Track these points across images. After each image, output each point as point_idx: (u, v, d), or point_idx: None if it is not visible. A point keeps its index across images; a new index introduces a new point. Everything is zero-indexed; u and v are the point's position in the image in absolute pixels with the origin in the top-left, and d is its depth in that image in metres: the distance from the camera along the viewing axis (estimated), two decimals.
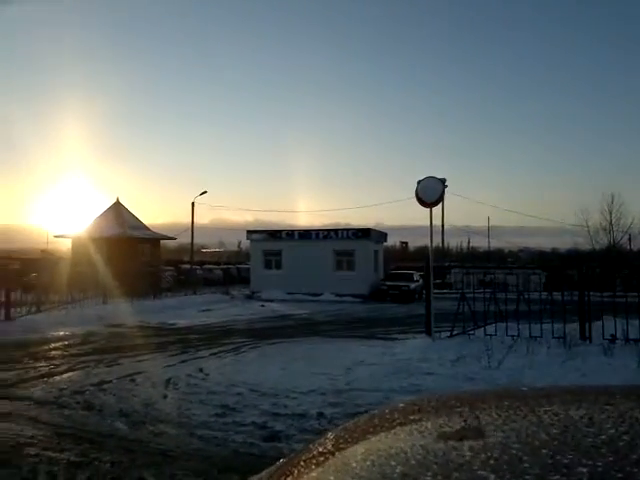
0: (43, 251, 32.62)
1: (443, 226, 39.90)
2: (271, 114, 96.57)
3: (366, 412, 4.50)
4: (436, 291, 11.62)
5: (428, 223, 10.88)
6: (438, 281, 25.12)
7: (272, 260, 28.18)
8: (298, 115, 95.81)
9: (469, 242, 64.07)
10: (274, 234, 28.77)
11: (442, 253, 40.34)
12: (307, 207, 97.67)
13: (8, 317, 14.51)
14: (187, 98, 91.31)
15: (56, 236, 30.02)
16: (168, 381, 7.59)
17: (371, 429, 0.85)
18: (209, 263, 41.39)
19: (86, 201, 76.09)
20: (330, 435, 0.87)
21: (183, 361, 9.29)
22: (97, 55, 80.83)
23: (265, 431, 5.38)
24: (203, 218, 76.03)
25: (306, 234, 28.53)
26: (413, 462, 0.65)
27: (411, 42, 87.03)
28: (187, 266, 32.35)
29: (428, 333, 10.85)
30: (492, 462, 0.62)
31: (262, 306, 21.73)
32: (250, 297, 26.34)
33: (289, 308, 21.00)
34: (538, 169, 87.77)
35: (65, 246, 29.95)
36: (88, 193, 76.75)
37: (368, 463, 0.69)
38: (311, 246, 27.29)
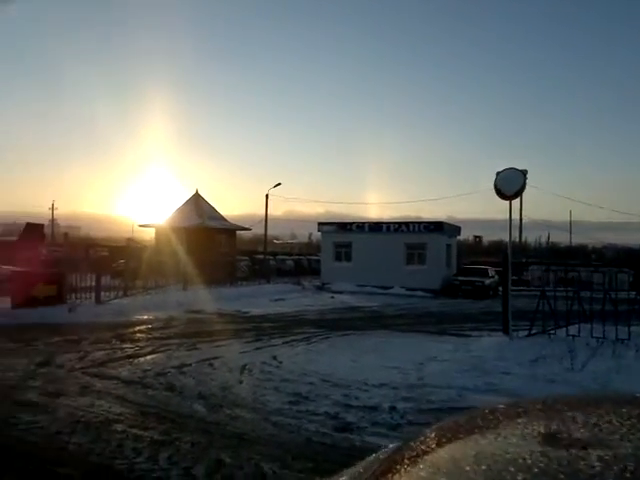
0: (129, 239, 34.60)
1: (521, 220, 38.10)
2: (343, 108, 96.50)
3: (439, 409, 4.42)
4: (513, 288, 11.14)
5: (503, 216, 10.51)
6: (515, 278, 24.08)
7: (342, 252, 28.25)
8: (370, 108, 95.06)
9: (549, 237, 60.88)
10: (344, 226, 28.80)
11: (520, 248, 38.60)
12: (377, 199, 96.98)
13: (98, 300, 15.59)
14: (263, 94, 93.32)
15: (141, 225, 31.75)
16: (244, 367, 7.84)
17: (475, 429, 0.81)
18: (281, 254, 42.23)
19: (169, 193, 79.97)
20: (430, 433, 0.84)
21: (257, 348, 9.57)
22: (181, 55, 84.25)
23: (337, 421, 5.43)
24: (276, 210, 77.88)
25: (376, 227, 28.32)
26: (536, 470, 0.62)
27: (490, 32, 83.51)
28: (261, 256, 33.20)
29: (505, 331, 10.46)
30: (629, 476, 0.58)
31: (332, 297, 21.89)
32: (320, 288, 26.60)
33: (359, 300, 21.00)
34: (624, 162, 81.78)
35: (149, 235, 31.62)
36: (171, 185, 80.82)
37: (484, 467, 0.66)
38: (381, 239, 27.08)
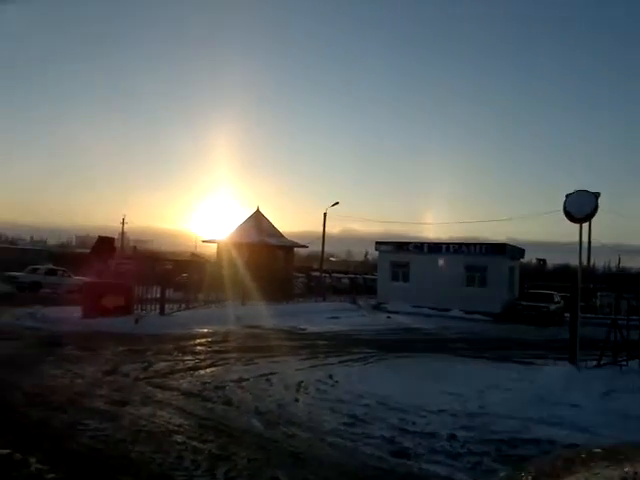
0: (193, 254, 35.81)
1: (590, 243, 36.29)
2: (403, 128, 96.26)
3: (501, 440, 4.23)
4: (580, 315, 10.61)
5: (569, 239, 10.04)
6: (582, 304, 22.87)
7: (399, 272, 27.95)
8: (431, 128, 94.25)
9: (619, 261, 57.39)
10: (402, 246, 28.53)
11: (588, 273, 36.69)
12: (436, 219, 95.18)
13: (162, 312, 16.19)
14: (322, 114, 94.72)
15: (204, 241, 32.82)
16: (299, 384, 7.86)
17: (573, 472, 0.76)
18: (337, 272, 42.26)
19: (232, 210, 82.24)
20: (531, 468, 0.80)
21: (313, 366, 9.57)
22: (243, 80, 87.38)
23: (393, 446, 5.32)
24: (334, 228, 78.20)
25: (435, 247, 27.86)
26: None
27: (558, 43, 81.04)
28: (317, 274, 33.38)
29: (572, 361, 9.94)
30: None
31: (388, 317, 21.62)
32: (376, 307, 26.36)
33: (415, 322, 20.61)
34: None
35: (211, 250, 32.62)
36: (234, 202, 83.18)
37: None
38: (440, 259, 26.58)
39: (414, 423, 6.13)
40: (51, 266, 29.24)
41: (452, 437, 5.62)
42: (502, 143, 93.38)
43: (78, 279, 25.48)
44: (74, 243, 78.40)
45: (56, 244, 72.41)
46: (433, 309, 24.61)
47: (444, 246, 27.67)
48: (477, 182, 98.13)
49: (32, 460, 4.48)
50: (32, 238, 78.65)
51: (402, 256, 27.86)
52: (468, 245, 26.95)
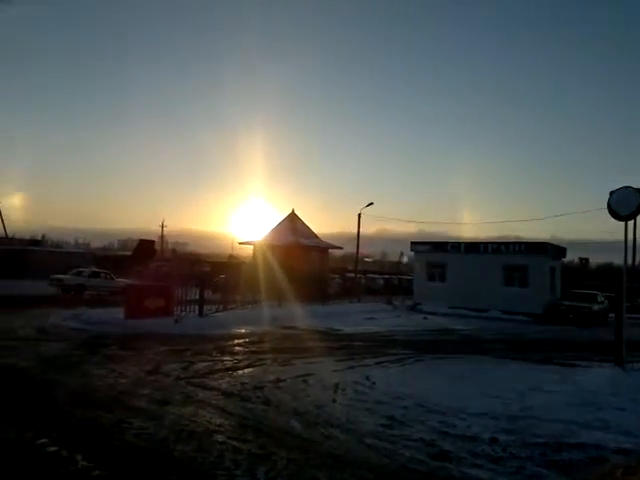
0: (230, 256, 36.36)
1: (635, 242, 34.90)
2: (438, 126, 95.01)
3: (545, 444, 4.12)
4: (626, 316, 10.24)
5: (612, 238, 9.69)
6: (627, 304, 22.07)
7: (436, 272, 27.59)
8: (467, 125, 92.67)
9: None
10: (439, 246, 28.16)
11: (633, 272, 35.27)
12: (472, 219, 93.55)
13: (201, 313, 16.49)
14: (356, 115, 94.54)
15: (240, 243, 33.29)
16: (337, 385, 7.87)
17: None
18: (372, 272, 42.06)
19: (267, 212, 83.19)
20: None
21: (350, 367, 9.56)
22: (277, 85, 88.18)
23: (433, 449, 5.25)
24: (368, 228, 77.80)
25: (473, 247, 27.37)
26: None
27: (597, 42, 78.45)
28: (352, 274, 33.31)
29: (617, 363, 9.60)
30: None
31: (425, 318, 21.38)
32: (412, 308, 26.12)
33: (453, 322, 20.31)
34: None
35: (248, 252, 33.05)
36: (269, 205, 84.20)
37: None
38: (478, 259, 26.12)
39: (454, 426, 6.04)
40: (95, 269, 30.25)
41: (493, 440, 5.51)
42: (543, 139, 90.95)
43: (120, 281, 26.26)
44: (116, 246, 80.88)
45: (99, 247, 74.94)
46: (471, 310, 24.21)
47: (482, 246, 27.14)
48: (516, 180, 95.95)
49: (79, 457, 4.63)
50: (76, 241, 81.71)
51: (439, 256, 27.50)
52: (507, 244, 26.36)
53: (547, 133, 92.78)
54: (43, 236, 63.93)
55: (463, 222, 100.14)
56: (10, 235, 49.41)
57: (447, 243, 28.30)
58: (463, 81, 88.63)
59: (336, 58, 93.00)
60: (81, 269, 28.72)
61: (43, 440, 5.04)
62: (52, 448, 4.83)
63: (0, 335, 11.90)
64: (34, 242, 46.89)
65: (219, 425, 5.84)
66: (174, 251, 64.40)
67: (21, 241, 45.11)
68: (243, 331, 14.36)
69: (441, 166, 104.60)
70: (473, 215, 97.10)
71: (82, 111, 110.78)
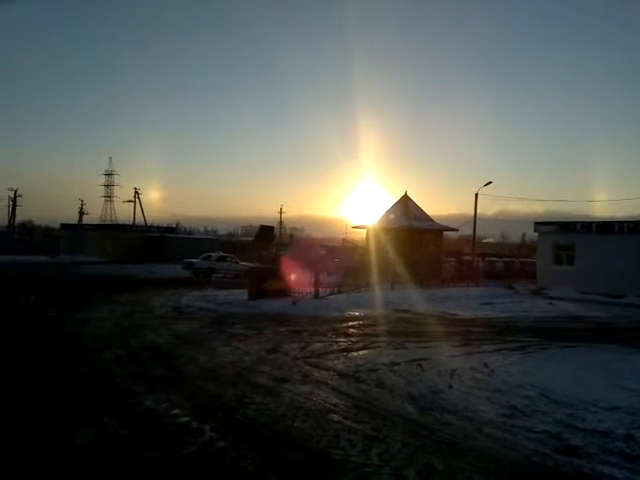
0: (343, 240, 36.90)
1: None
2: (561, 96, 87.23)
3: None
4: None
5: None
6: None
7: (563, 255, 25.51)
8: (599, 93, 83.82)
9: None
10: (567, 226, 25.97)
11: None
12: (606, 196, 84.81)
13: (317, 296, 17.00)
14: (468, 92, 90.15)
15: (354, 227, 33.59)
16: (453, 372, 7.66)
17: None
18: (490, 255, 40.07)
19: (380, 195, 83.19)
20: None
21: (467, 353, 9.25)
22: (386, 76, 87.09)
23: (559, 443, 4.92)
24: (487, 209, 74.52)
25: (606, 226, 24.84)
26: None
27: None
28: (468, 257, 32.08)
29: None
30: None
31: (550, 304, 19.93)
32: (536, 293, 24.47)
33: (582, 309, 18.71)
34: None
35: (361, 236, 33.28)
36: (382, 189, 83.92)
37: None
38: (612, 240, 23.66)
39: (584, 419, 5.60)
40: (221, 253, 32.57)
41: (629, 437, 5.03)
42: None
43: (244, 264, 28.02)
44: (240, 232, 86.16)
45: (225, 234, 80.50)
46: (603, 295, 22.09)
47: (617, 225, 24.54)
48: None
49: (206, 428, 5.04)
50: (205, 229, 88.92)
51: (566, 237, 25.39)
52: None
53: None
54: (177, 224, 70.36)
55: (597, 200, 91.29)
56: (149, 224, 55.10)
57: (576, 223, 26.00)
58: (591, 53, 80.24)
59: (448, 37, 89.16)
60: (209, 254, 31.02)
61: (176, 411, 5.56)
62: (184, 419, 5.32)
63: (142, 314, 13.31)
64: (169, 230, 51.49)
65: (334, 405, 6.00)
66: (292, 236, 66.93)
67: (158, 229, 49.85)
68: (357, 314, 14.53)
69: (570, 141, 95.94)
70: (609, 192, 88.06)
71: (208, 118, 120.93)
